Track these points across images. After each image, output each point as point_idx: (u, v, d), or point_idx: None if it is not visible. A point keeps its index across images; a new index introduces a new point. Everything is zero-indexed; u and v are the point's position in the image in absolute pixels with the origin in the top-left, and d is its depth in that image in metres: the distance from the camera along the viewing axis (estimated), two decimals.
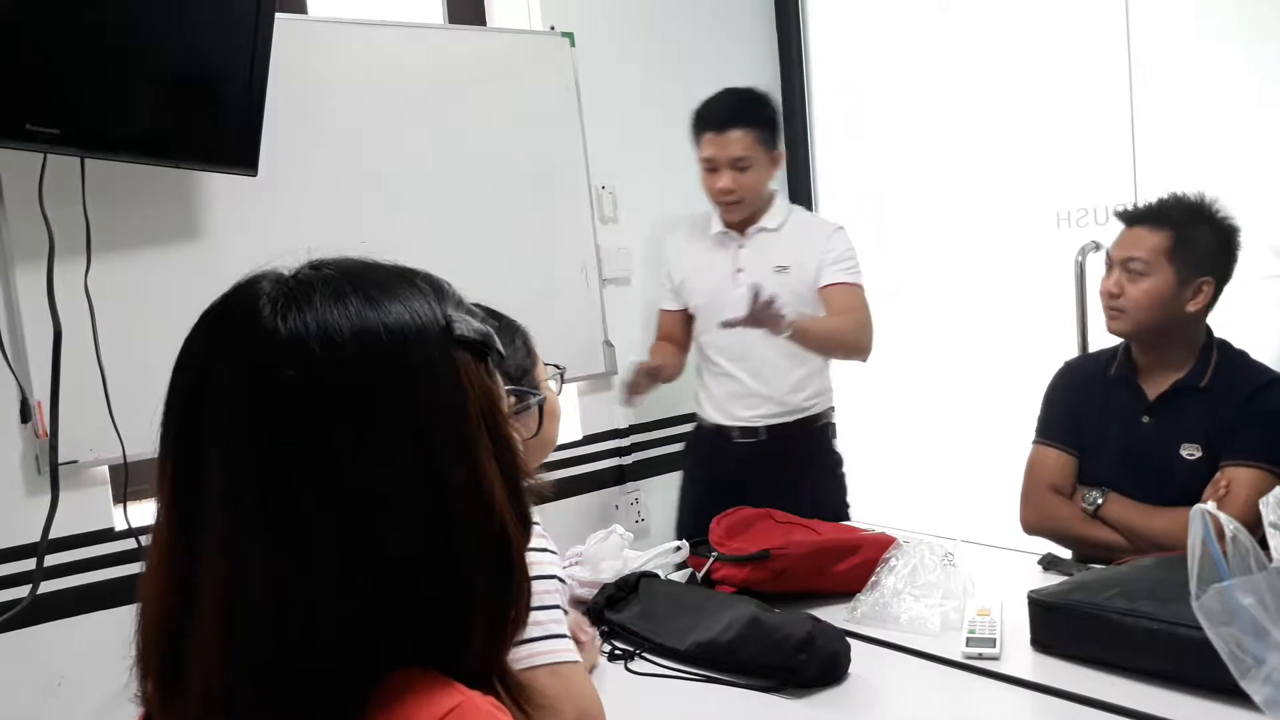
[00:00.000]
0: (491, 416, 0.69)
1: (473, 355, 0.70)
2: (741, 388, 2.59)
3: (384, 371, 0.65)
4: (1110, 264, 1.92)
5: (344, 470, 0.63)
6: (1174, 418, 1.87)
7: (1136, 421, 1.91)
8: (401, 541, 0.64)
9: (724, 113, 2.51)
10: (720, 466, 2.60)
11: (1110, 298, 1.90)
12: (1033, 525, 1.99)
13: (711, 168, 2.51)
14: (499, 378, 0.73)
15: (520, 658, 1.16)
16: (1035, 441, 2.07)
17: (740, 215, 2.57)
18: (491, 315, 1.33)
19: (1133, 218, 1.91)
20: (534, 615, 1.19)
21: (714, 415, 2.63)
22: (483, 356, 0.71)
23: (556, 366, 1.42)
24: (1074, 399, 2.04)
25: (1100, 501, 1.86)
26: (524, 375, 1.31)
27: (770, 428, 2.58)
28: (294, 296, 0.66)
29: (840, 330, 2.49)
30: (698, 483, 2.70)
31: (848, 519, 2.50)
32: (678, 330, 2.70)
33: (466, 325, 0.70)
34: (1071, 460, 2.00)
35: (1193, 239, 1.82)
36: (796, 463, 2.58)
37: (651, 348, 2.73)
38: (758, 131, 2.50)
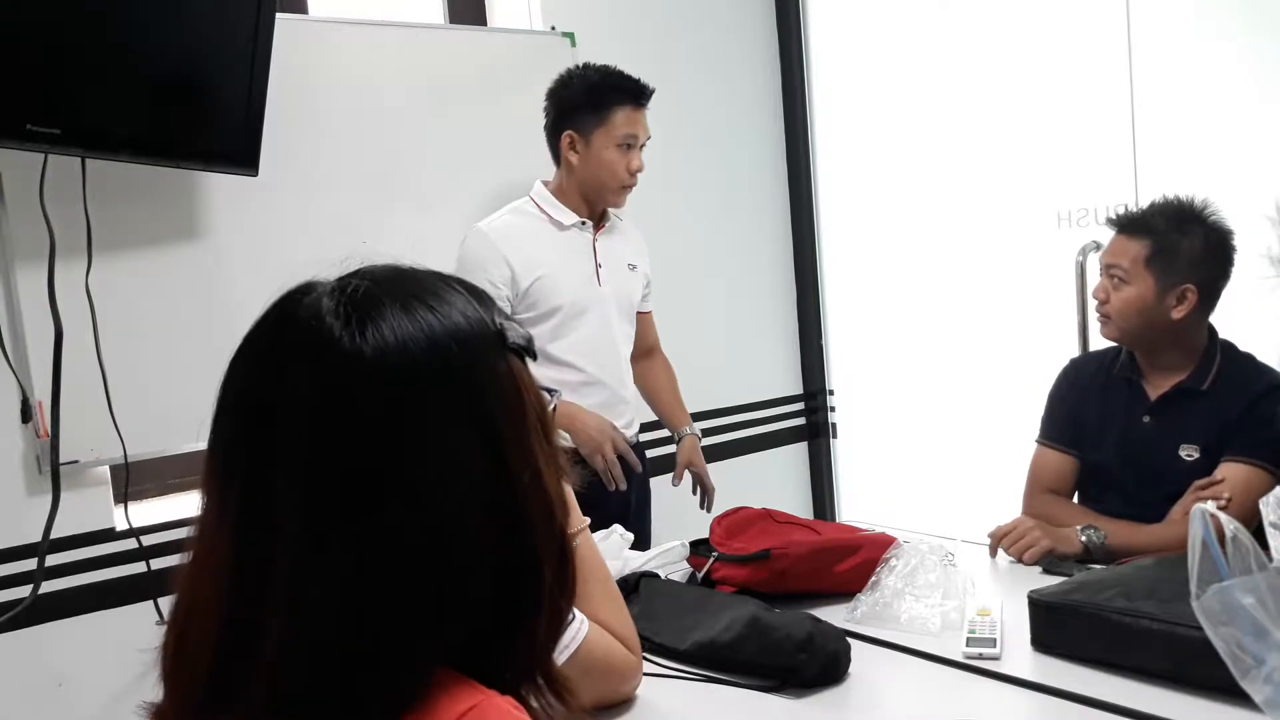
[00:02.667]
0: (543, 421, 0.71)
1: (520, 358, 0.71)
2: (611, 394, 2.37)
3: (455, 382, 0.66)
4: (1100, 269, 1.95)
5: (425, 487, 0.64)
6: (1174, 419, 1.87)
7: (1137, 422, 1.92)
8: (478, 550, 0.65)
9: (642, 88, 2.33)
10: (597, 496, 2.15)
11: (1100, 304, 1.93)
12: None
13: (629, 146, 2.32)
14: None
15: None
16: (1037, 441, 2.08)
17: (625, 202, 2.41)
18: None
19: (1117, 225, 1.94)
20: None
21: None
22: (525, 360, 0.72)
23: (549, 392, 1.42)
24: (1076, 397, 2.04)
25: (1100, 540, 1.80)
26: None
27: (640, 443, 2.44)
28: (364, 312, 0.66)
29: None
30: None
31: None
32: None
33: (515, 332, 0.71)
34: (1071, 461, 2.00)
35: (1173, 247, 1.83)
36: (644, 480, 2.44)
37: None
38: None
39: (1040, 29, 2.76)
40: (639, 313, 2.51)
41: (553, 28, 2.93)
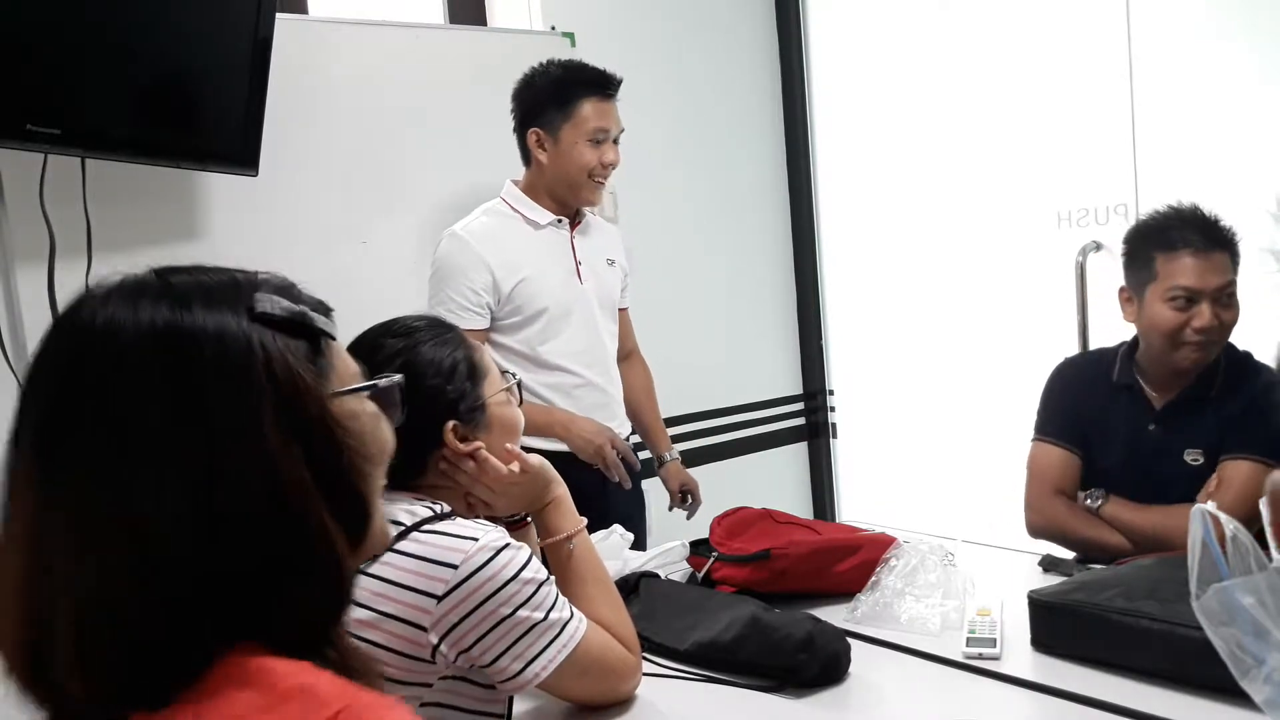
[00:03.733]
0: (296, 390, 0.69)
1: (284, 334, 0.70)
2: (604, 396, 2.30)
3: (157, 364, 0.67)
4: (1186, 296, 1.77)
5: (115, 443, 0.65)
6: (1180, 427, 1.84)
7: (1142, 430, 1.88)
8: (173, 517, 0.65)
9: (611, 81, 2.24)
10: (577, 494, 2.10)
11: (1205, 332, 1.77)
12: (1039, 530, 1.95)
13: (601, 139, 2.22)
14: (343, 358, 0.76)
15: (541, 669, 1.19)
16: (1036, 438, 2.02)
17: (602, 199, 2.34)
18: (437, 327, 1.35)
19: (1209, 244, 1.78)
20: (547, 618, 1.21)
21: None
22: (298, 335, 0.71)
23: (511, 375, 1.42)
24: (1075, 399, 1.99)
25: (1100, 503, 1.85)
26: (462, 396, 1.32)
27: (636, 443, 2.38)
28: (104, 296, 0.69)
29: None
30: None
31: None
32: None
33: (272, 303, 0.71)
34: (1075, 459, 1.95)
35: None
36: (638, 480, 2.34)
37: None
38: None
39: (1040, 29, 2.76)
40: (623, 310, 2.46)
41: (553, 28, 2.93)
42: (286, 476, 0.68)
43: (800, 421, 3.52)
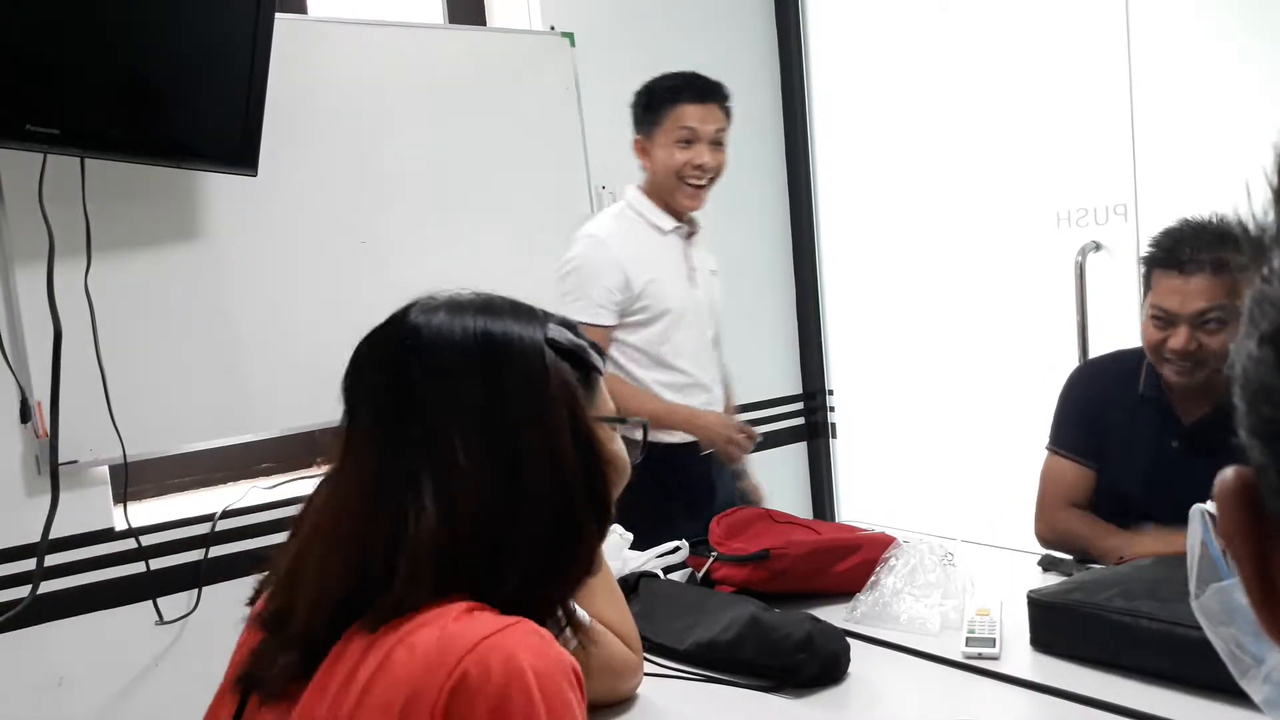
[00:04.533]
0: (574, 408, 0.88)
1: (568, 361, 0.90)
2: (710, 396, 2.41)
3: (479, 354, 0.87)
4: (1165, 317, 1.72)
5: (441, 422, 0.85)
6: (1207, 446, 1.74)
7: (1166, 447, 1.79)
8: (478, 486, 0.84)
9: (704, 85, 2.31)
10: (687, 484, 2.29)
11: (1183, 355, 1.70)
12: (1048, 540, 1.91)
13: (689, 140, 2.27)
14: (602, 392, 0.95)
15: None
16: (1051, 449, 1.96)
17: (703, 202, 2.35)
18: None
19: (1198, 266, 1.68)
20: None
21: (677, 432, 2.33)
22: (577, 365, 0.91)
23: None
24: (1095, 409, 1.91)
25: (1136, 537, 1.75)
26: None
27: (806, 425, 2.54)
28: (428, 307, 0.91)
29: None
30: (654, 507, 2.05)
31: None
32: (605, 351, 2.34)
33: (561, 334, 0.91)
34: (1090, 475, 1.89)
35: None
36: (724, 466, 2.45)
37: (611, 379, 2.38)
38: (728, 112, 2.35)
39: (1040, 29, 2.76)
40: None
41: (552, 28, 2.93)
42: (568, 463, 0.86)
43: (800, 421, 3.52)
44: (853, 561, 1.70)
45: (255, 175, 2.23)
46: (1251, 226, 0.37)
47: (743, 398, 3.37)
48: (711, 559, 1.78)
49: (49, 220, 2.11)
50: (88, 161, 2.15)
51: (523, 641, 0.77)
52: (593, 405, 0.92)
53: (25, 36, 1.91)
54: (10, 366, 2.17)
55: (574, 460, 0.87)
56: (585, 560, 0.89)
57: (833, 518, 3.43)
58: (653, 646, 1.50)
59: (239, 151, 2.19)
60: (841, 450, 3.49)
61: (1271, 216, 0.37)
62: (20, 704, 2.19)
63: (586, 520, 0.88)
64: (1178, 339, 1.71)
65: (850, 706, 1.36)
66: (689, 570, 1.87)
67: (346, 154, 2.58)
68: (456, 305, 0.90)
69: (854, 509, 3.43)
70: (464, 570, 0.82)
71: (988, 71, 2.89)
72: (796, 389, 3.52)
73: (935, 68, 3.02)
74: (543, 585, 0.86)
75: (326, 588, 0.83)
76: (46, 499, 2.16)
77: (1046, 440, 1.98)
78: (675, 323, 2.33)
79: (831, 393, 3.48)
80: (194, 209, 2.38)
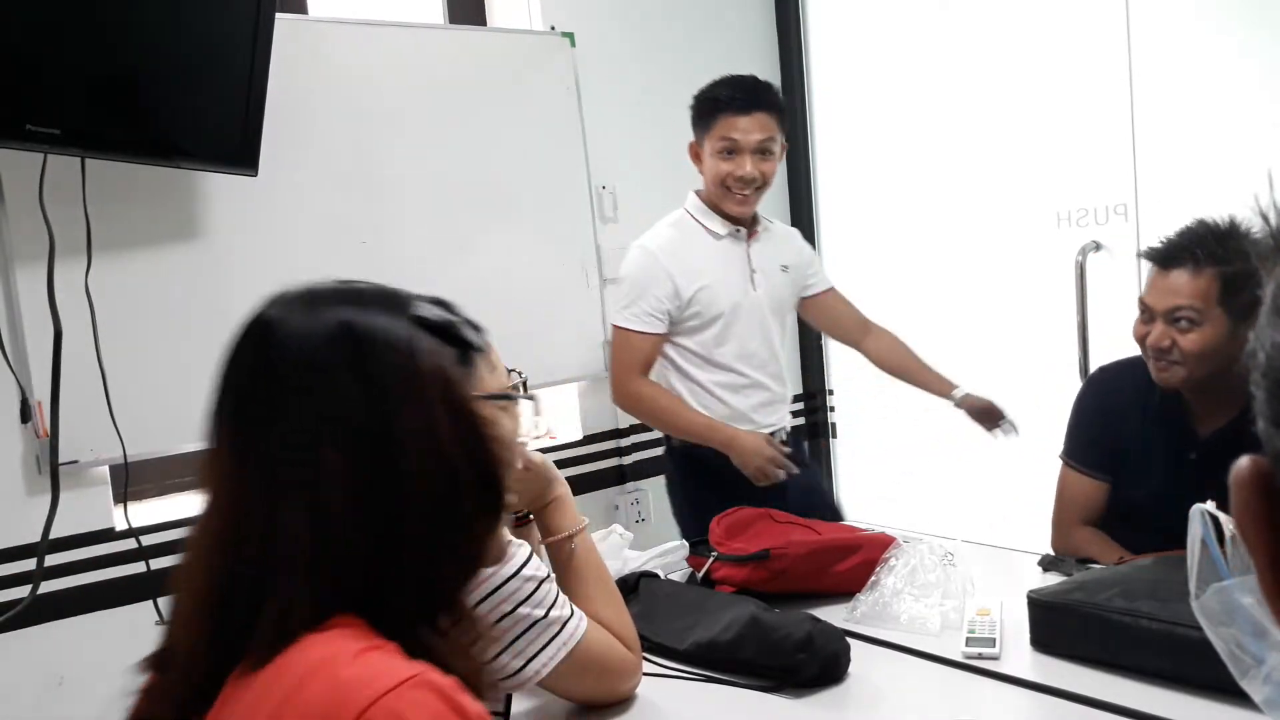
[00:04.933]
0: (450, 387, 0.81)
1: (439, 338, 0.83)
2: (769, 394, 2.44)
3: (340, 341, 0.80)
4: (1147, 312, 1.72)
5: (294, 432, 0.78)
6: (1225, 459, 1.66)
7: (1183, 459, 1.74)
8: (350, 484, 0.76)
9: (749, 93, 2.32)
10: (739, 479, 2.27)
11: (1160, 352, 1.70)
12: (1063, 552, 1.87)
13: (732, 150, 2.29)
14: (478, 370, 0.87)
15: (541, 666, 1.19)
16: (1065, 461, 1.93)
17: (752, 208, 2.38)
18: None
19: (1170, 259, 1.68)
20: (547, 616, 1.21)
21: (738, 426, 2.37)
22: (451, 342, 0.84)
23: (518, 373, 1.41)
24: (1109, 419, 1.88)
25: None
26: None
27: (789, 431, 2.49)
28: (282, 300, 0.84)
29: None
30: (705, 504, 2.14)
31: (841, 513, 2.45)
32: (654, 359, 2.37)
33: (430, 310, 0.85)
34: (1104, 488, 1.87)
35: (1243, 274, 1.61)
36: (801, 461, 2.46)
37: (648, 394, 2.34)
38: (779, 116, 2.35)
39: (1040, 29, 2.76)
40: (819, 293, 2.55)
41: (552, 28, 2.93)
42: (447, 445, 0.79)
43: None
44: (853, 561, 1.70)
45: (255, 175, 2.23)
46: (1273, 217, 0.36)
47: None
48: (711, 559, 1.78)
49: (49, 220, 2.11)
50: (88, 161, 2.15)
51: (417, 706, 0.69)
52: (472, 384, 0.86)
53: (26, 36, 1.91)
54: (10, 366, 2.17)
55: (455, 441, 0.80)
56: (478, 548, 0.83)
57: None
58: (653, 646, 1.50)
59: (239, 152, 2.19)
60: (842, 450, 3.49)
61: None
62: (21, 704, 2.19)
63: (475, 504, 0.82)
64: (1154, 334, 1.71)
65: (850, 707, 1.36)
66: (689, 570, 1.87)
67: (347, 154, 2.58)
68: (313, 296, 0.84)
69: (854, 509, 3.43)
70: (346, 582, 0.76)
71: (988, 71, 2.89)
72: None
73: (935, 67, 3.02)
74: (434, 582, 0.79)
75: (199, 627, 0.77)
76: (47, 499, 2.16)
77: (1060, 448, 1.96)
78: (729, 325, 2.37)
79: (832, 393, 3.48)
80: (194, 209, 2.38)
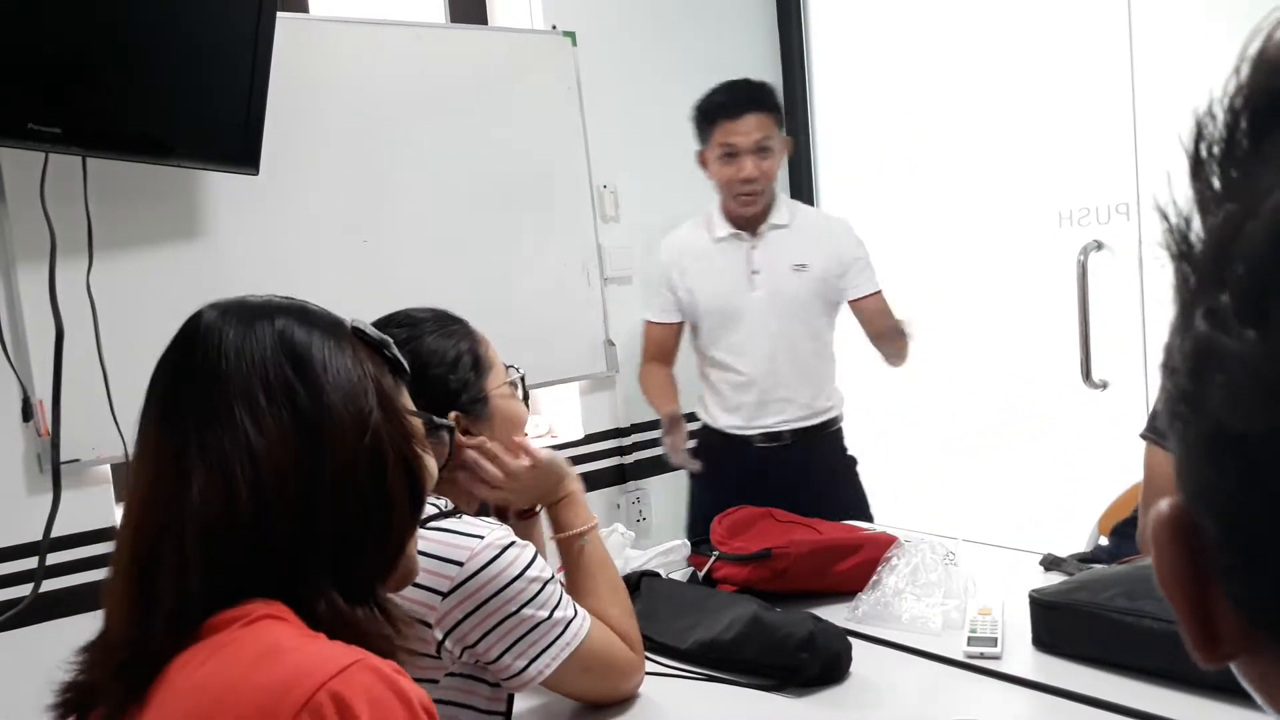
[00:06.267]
0: (380, 383, 0.84)
1: (372, 354, 0.86)
2: (764, 394, 2.47)
3: (280, 347, 0.82)
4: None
5: (227, 393, 0.79)
6: None
7: None
8: (270, 471, 0.77)
9: (740, 97, 2.41)
10: (741, 471, 2.44)
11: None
12: (1143, 546, 1.74)
13: (731, 154, 2.38)
14: (406, 397, 0.89)
15: (544, 666, 1.19)
16: (1150, 439, 1.76)
17: (759, 207, 2.45)
18: (442, 319, 1.36)
19: None
20: (551, 617, 1.21)
21: (730, 421, 2.51)
22: (382, 358, 0.87)
23: (516, 369, 1.42)
24: None
25: None
26: (465, 387, 1.32)
27: (795, 431, 2.50)
28: (219, 305, 0.88)
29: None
30: (715, 487, 2.45)
31: (869, 519, 2.44)
32: (669, 344, 2.57)
33: (365, 325, 0.88)
34: None
35: None
36: (816, 466, 2.51)
37: (644, 371, 2.58)
38: (774, 114, 2.42)
39: (1042, 28, 2.76)
40: (855, 299, 2.51)
41: (554, 27, 2.93)
42: (375, 425, 0.81)
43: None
44: (854, 561, 1.70)
45: (257, 174, 2.23)
46: (1172, 214, 0.35)
47: None
48: (713, 558, 1.78)
49: (51, 219, 2.11)
50: (89, 160, 2.15)
51: (360, 690, 0.69)
52: (402, 400, 0.88)
53: (27, 36, 1.91)
54: (12, 365, 2.17)
55: (382, 423, 0.82)
56: (398, 541, 0.84)
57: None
58: (654, 646, 1.50)
59: (240, 151, 2.19)
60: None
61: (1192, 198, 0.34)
62: (21, 703, 2.20)
63: (399, 499, 0.83)
64: None
65: (852, 706, 1.36)
66: (691, 569, 1.87)
67: (348, 153, 2.58)
68: (252, 306, 0.87)
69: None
70: (265, 563, 0.77)
71: (989, 71, 2.88)
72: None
73: (936, 68, 3.02)
74: (353, 572, 0.80)
75: (125, 605, 0.82)
76: (48, 498, 2.16)
77: (1143, 427, 1.78)
78: (723, 324, 2.47)
79: None
80: (195, 208, 2.38)
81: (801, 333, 2.49)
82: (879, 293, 2.54)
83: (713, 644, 1.46)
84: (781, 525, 1.87)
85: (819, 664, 1.39)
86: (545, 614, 1.21)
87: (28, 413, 2.19)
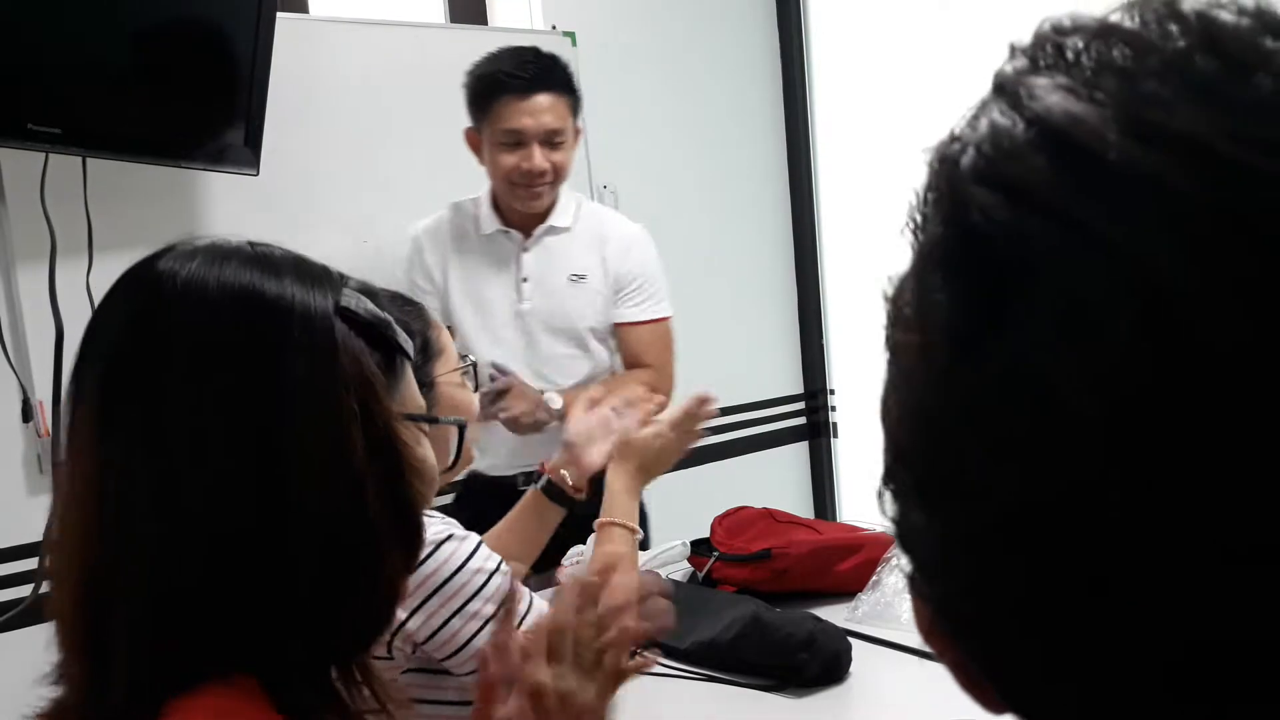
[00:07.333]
0: (369, 397, 0.66)
1: (364, 339, 0.67)
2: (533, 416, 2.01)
3: (241, 327, 0.64)
4: None
5: (172, 418, 0.62)
6: None
7: None
8: (223, 510, 0.61)
9: (529, 72, 1.98)
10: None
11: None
12: None
13: (516, 142, 1.98)
14: (411, 383, 0.73)
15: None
16: None
17: (542, 206, 2.06)
18: (398, 300, 1.26)
19: None
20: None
21: (488, 462, 2.04)
22: (377, 345, 0.69)
23: (468, 358, 1.37)
24: None
25: None
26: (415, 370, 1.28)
27: (528, 475, 1.96)
28: (182, 253, 0.68)
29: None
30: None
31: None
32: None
33: (359, 302, 0.68)
34: None
35: None
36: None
37: None
38: (569, 98, 2.03)
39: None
40: (619, 324, 2.13)
41: (554, 27, 2.92)
42: (359, 468, 0.63)
43: (801, 421, 3.52)
44: (854, 561, 1.70)
45: (257, 174, 2.23)
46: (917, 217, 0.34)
47: (743, 397, 3.38)
48: (713, 558, 1.78)
49: (51, 219, 2.11)
50: (89, 161, 2.15)
51: None
52: (397, 398, 0.70)
53: (27, 35, 1.91)
54: (12, 366, 2.17)
55: (366, 463, 0.63)
56: (388, 598, 0.67)
57: (834, 517, 3.43)
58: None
59: (240, 151, 2.19)
60: (843, 450, 3.48)
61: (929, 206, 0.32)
62: (22, 704, 2.19)
63: (387, 542, 0.65)
64: None
65: (852, 706, 1.36)
66: (690, 569, 1.87)
67: (348, 153, 2.58)
68: (219, 253, 0.67)
69: (855, 509, 3.43)
70: (219, 629, 0.61)
71: (989, 72, 2.88)
72: (798, 388, 3.52)
73: (937, 67, 3.02)
74: (331, 640, 0.64)
75: (77, 690, 0.68)
76: (48, 498, 2.16)
77: None
78: (482, 334, 2.08)
79: (833, 392, 3.48)
80: (196, 208, 2.38)
81: (568, 352, 2.12)
82: (651, 323, 2.12)
83: (712, 644, 1.46)
84: (781, 525, 1.88)
85: (819, 664, 1.39)
86: (494, 608, 1.18)
87: (28, 413, 2.19)
